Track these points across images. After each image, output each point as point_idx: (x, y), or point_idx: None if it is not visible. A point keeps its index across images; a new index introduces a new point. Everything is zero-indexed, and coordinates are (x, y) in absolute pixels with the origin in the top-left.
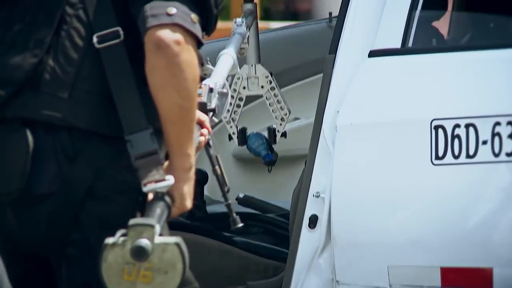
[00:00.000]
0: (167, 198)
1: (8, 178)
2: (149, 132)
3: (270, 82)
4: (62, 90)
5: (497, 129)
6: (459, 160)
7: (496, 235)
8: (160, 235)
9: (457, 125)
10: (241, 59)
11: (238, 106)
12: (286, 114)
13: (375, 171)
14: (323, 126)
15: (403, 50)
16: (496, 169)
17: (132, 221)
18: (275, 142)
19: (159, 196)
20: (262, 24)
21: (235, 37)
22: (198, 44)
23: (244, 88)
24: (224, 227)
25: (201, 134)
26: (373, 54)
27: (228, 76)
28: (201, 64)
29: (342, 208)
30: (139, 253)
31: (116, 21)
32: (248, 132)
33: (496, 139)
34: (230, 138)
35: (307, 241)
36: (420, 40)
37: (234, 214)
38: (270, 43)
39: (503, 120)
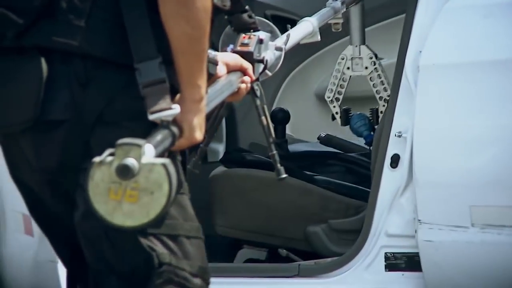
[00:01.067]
0: (173, 128)
1: (23, 106)
2: (158, 61)
3: (374, 64)
4: (78, 18)
5: None
6: None
7: None
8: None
9: None
10: (346, 42)
11: (342, 86)
12: (390, 95)
13: (458, 111)
14: (405, 66)
15: None
16: None
17: (120, 141)
18: (377, 123)
19: (164, 124)
20: None
21: (326, 9)
22: None
23: (348, 68)
24: (306, 165)
25: (242, 81)
26: None
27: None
28: None
29: (424, 148)
30: (125, 172)
31: None
32: (352, 112)
33: None
34: (333, 118)
35: (389, 180)
36: None
37: (279, 165)
38: None
39: None
